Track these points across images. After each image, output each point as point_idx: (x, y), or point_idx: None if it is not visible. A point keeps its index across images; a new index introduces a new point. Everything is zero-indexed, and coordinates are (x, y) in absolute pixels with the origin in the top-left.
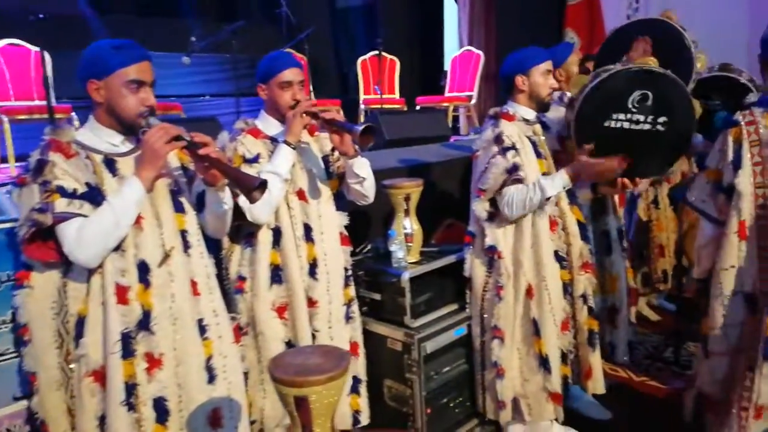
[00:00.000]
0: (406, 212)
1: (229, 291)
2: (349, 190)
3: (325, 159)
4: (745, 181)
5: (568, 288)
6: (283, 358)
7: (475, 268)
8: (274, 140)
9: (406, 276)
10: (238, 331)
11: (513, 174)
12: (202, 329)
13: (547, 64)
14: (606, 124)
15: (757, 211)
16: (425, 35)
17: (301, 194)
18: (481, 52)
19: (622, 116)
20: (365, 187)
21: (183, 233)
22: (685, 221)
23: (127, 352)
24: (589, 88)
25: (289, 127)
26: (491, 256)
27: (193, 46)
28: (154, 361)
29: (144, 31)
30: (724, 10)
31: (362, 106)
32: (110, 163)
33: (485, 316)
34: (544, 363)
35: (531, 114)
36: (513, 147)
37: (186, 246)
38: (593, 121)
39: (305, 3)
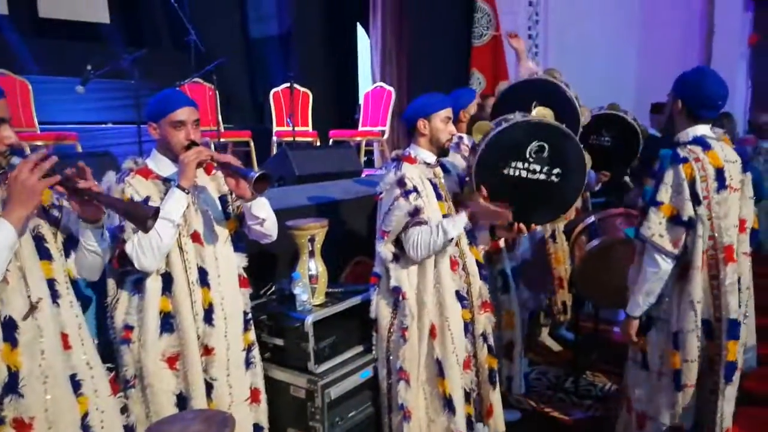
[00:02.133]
0: (311, 253)
1: (114, 341)
2: (250, 230)
3: (223, 199)
4: (704, 213)
5: (469, 327)
6: (159, 427)
7: (381, 309)
8: (166, 181)
9: (309, 320)
10: (115, 382)
11: (415, 217)
12: (75, 385)
13: (448, 111)
14: (505, 171)
15: (708, 242)
16: (339, 68)
17: (195, 237)
18: (392, 89)
19: (520, 165)
20: (266, 227)
21: (51, 282)
22: (576, 254)
23: None
24: (492, 135)
25: (183, 171)
26: (396, 297)
27: (88, 74)
28: (24, 427)
29: (40, 52)
30: (615, 57)
31: (274, 138)
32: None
33: (391, 357)
34: (448, 404)
35: (431, 157)
36: (415, 190)
37: (54, 296)
38: (493, 167)
39: (217, 32)
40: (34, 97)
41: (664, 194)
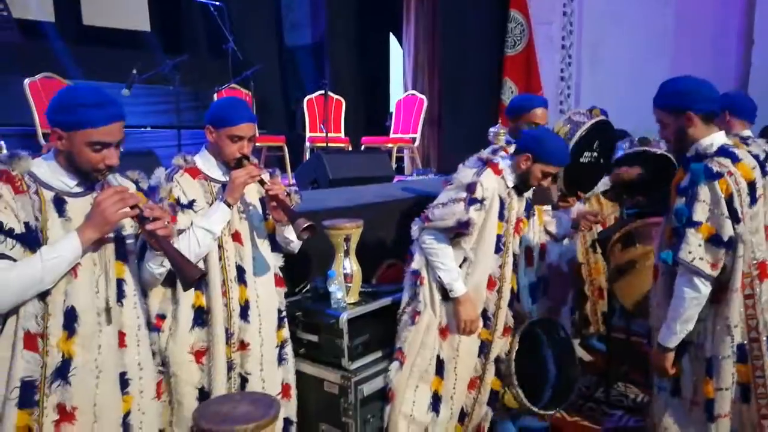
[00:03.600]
0: (346, 253)
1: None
2: (277, 237)
3: (263, 200)
4: (746, 231)
5: (484, 348)
6: (208, 406)
7: (406, 288)
8: (213, 181)
9: (344, 317)
10: (160, 387)
11: (463, 228)
12: (123, 383)
13: (556, 168)
14: (580, 160)
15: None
16: (371, 77)
17: (236, 236)
18: (424, 97)
19: (588, 154)
20: (292, 247)
21: (120, 282)
22: (612, 264)
23: (26, 402)
24: (578, 136)
25: (231, 189)
26: (414, 280)
27: (133, 78)
28: (65, 415)
29: (83, 58)
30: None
31: (308, 144)
32: (60, 202)
33: (396, 336)
34: (434, 404)
35: (511, 181)
36: (481, 201)
37: (120, 296)
38: (575, 159)
39: (253, 40)
40: None
41: (701, 213)
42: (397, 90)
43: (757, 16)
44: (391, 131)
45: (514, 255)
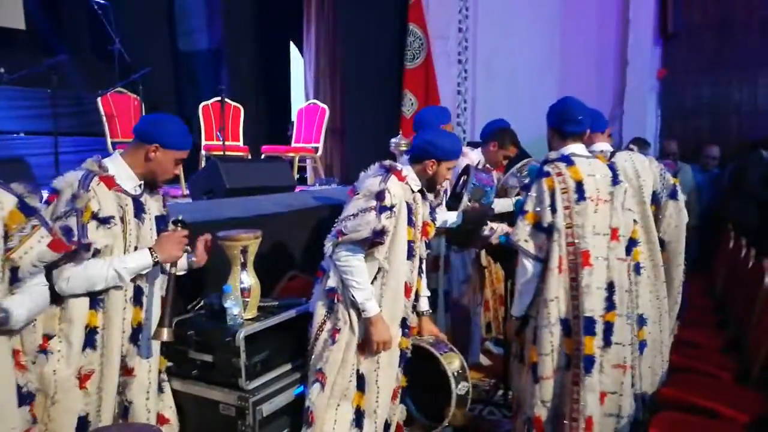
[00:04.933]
0: (243, 265)
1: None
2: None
3: (160, 219)
4: (560, 221)
5: (404, 356)
6: None
7: (317, 306)
8: (124, 194)
9: (241, 334)
10: None
11: (378, 237)
12: None
13: (454, 162)
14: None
15: (568, 247)
16: (272, 84)
17: None
18: (326, 106)
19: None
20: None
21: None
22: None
23: None
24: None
25: (169, 251)
26: (332, 297)
27: (1, 77)
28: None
29: None
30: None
31: (203, 152)
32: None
33: (313, 357)
34: (357, 420)
35: (417, 185)
36: (391, 208)
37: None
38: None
39: (143, 43)
40: None
41: (529, 204)
42: (298, 99)
43: (631, 40)
44: (293, 140)
45: (421, 259)
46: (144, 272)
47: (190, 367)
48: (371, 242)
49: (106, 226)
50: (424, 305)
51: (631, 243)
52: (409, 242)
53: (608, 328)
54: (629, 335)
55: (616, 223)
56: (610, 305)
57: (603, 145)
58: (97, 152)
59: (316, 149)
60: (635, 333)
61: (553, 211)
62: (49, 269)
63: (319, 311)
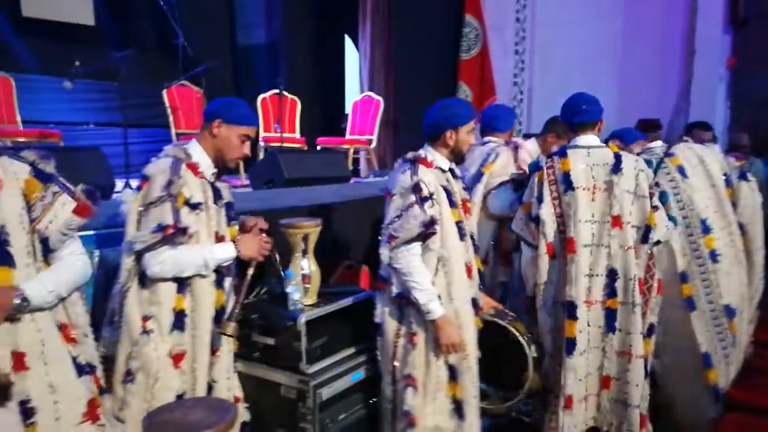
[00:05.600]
0: (304, 252)
1: (118, 329)
2: None
3: (229, 205)
4: (546, 211)
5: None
6: (159, 413)
7: (386, 315)
8: (207, 182)
9: (302, 319)
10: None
11: (429, 228)
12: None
13: (472, 124)
14: None
15: (560, 235)
16: (326, 78)
17: (219, 239)
18: (380, 99)
19: None
20: None
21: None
22: None
23: None
24: None
25: (250, 250)
26: (400, 304)
27: (75, 70)
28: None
29: (24, 51)
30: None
31: (261, 144)
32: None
33: (397, 364)
34: (458, 409)
35: (446, 164)
36: (431, 196)
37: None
38: None
39: (205, 37)
40: (18, 94)
41: (527, 196)
42: (352, 91)
43: (699, 28)
44: (347, 132)
45: (472, 236)
46: (225, 264)
47: (253, 350)
48: (425, 235)
49: (195, 211)
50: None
51: (647, 230)
52: (457, 223)
53: (610, 314)
54: (638, 324)
55: (618, 210)
56: (611, 292)
57: (594, 139)
58: (163, 143)
59: (370, 141)
60: (726, 326)
61: (540, 201)
62: (140, 253)
63: (390, 322)
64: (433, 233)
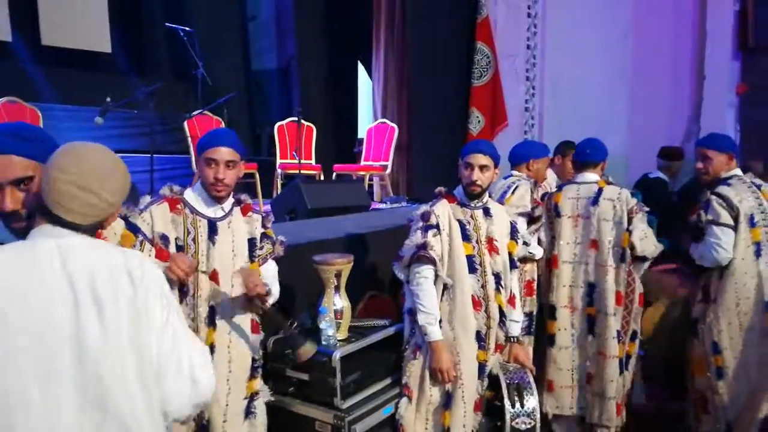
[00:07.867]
0: (336, 288)
1: None
2: None
3: (252, 242)
4: (545, 233)
5: (484, 369)
6: None
7: (405, 326)
8: (199, 215)
9: (337, 355)
10: None
11: (421, 250)
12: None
13: (468, 157)
14: None
15: (551, 253)
16: (340, 104)
17: (213, 275)
18: (395, 125)
19: None
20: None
21: None
22: None
23: None
24: None
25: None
26: (410, 318)
27: (107, 105)
28: None
29: (45, 80)
30: (607, 102)
31: (279, 171)
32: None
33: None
34: None
35: (466, 198)
36: (436, 226)
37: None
38: None
39: (221, 65)
40: (44, 124)
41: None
42: (364, 118)
43: (709, 53)
44: (362, 159)
45: (497, 274)
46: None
47: (286, 385)
48: (419, 256)
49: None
50: (512, 330)
51: (623, 251)
52: (469, 257)
53: (589, 320)
54: (613, 329)
55: (595, 235)
56: (590, 301)
57: (592, 176)
58: (181, 169)
59: (385, 167)
60: None
61: (543, 225)
62: None
63: (406, 331)
64: (425, 257)
